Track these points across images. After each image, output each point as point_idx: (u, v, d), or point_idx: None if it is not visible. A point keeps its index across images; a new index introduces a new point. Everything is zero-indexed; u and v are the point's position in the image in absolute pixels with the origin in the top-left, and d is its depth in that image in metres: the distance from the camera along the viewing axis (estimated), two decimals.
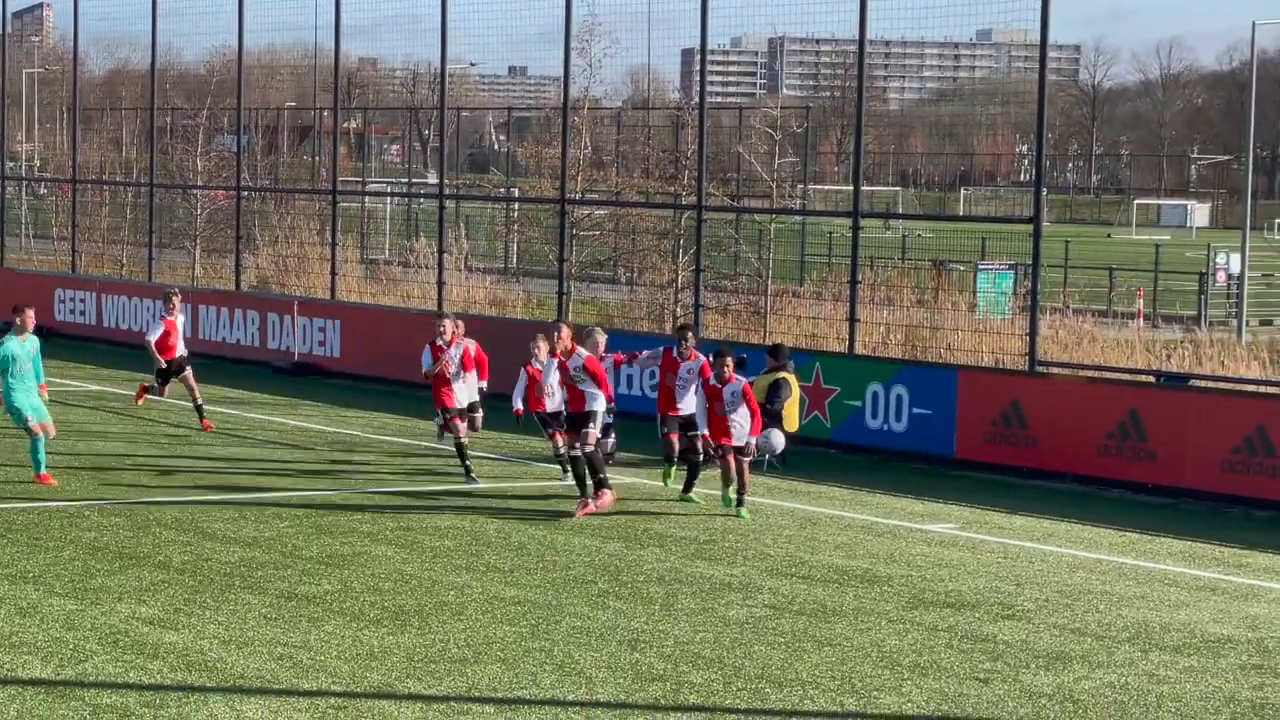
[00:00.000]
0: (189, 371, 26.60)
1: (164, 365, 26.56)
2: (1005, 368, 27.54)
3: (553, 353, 21.21)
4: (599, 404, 20.72)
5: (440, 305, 34.37)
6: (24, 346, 21.42)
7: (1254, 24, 51.95)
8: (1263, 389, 26.30)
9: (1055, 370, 26.33)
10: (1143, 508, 22.40)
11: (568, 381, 20.94)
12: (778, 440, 20.89)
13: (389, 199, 63.43)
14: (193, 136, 51.00)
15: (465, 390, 23.09)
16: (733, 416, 20.55)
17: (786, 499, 21.93)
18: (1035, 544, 19.91)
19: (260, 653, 14.21)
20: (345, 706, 12.82)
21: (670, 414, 21.98)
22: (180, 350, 26.69)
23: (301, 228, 47.55)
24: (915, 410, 25.38)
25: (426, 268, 42.01)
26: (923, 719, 13.01)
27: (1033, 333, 25.52)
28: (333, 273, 36.35)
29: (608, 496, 20.60)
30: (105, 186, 53.32)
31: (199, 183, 48.81)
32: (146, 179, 43.34)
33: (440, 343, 22.98)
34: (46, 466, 21.44)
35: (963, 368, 26.61)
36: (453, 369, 22.89)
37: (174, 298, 27.23)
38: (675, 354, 22.17)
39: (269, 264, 46.30)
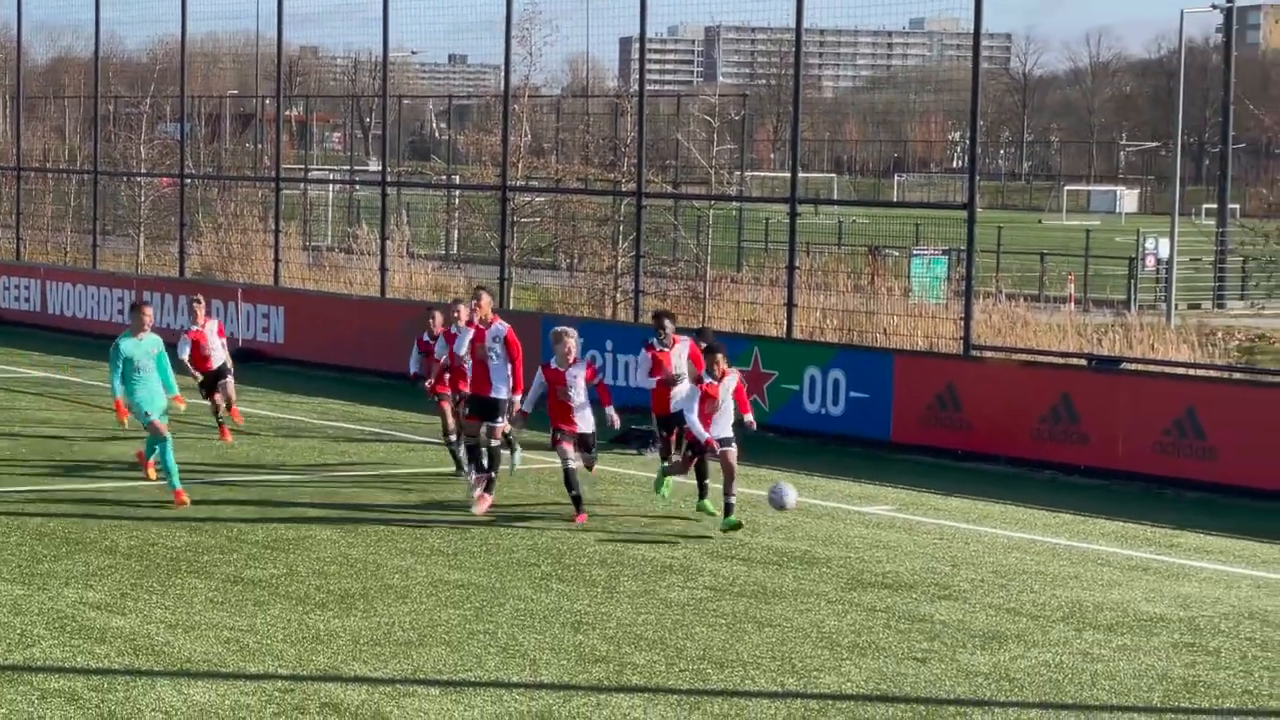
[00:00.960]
0: (229, 380, 24.09)
1: (199, 377, 24.00)
2: (940, 352, 27.63)
3: (470, 322, 19.97)
4: (505, 392, 19.51)
5: (383, 292, 34.27)
6: (141, 346, 19.70)
7: (1182, 12, 52.26)
8: (1192, 371, 26.46)
9: (989, 354, 26.42)
10: (1075, 489, 22.49)
11: (479, 355, 19.69)
12: (790, 497, 18.55)
13: (331, 186, 63.18)
14: (136, 124, 50.78)
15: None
16: (716, 415, 18.76)
17: None
18: (970, 525, 19.97)
19: (207, 636, 14.14)
20: (292, 689, 12.77)
21: (668, 414, 20.31)
22: (218, 360, 24.08)
23: (245, 215, 47.32)
24: (852, 394, 25.42)
25: (369, 254, 41.88)
26: (861, 698, 13.03)
27: (967, 317, 25.59)
28: (276, 259, 36.19)
29: (486, 502, 19.37)
30: (49, 174, 52.97)
31: (143, 170, 48.53)
32: (90, 166, 43.10)
33: (455, 332, 21.10)
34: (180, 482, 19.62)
35: (899, 352, 26.66)
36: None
37: (198, 306, 24.63)
38: (659, 346, 20.49)
39: (213, 251, 46.08)
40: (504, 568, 16.95)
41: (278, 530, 18.39)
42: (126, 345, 19.70)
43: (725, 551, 17.93)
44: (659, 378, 20.32)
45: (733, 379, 18.84)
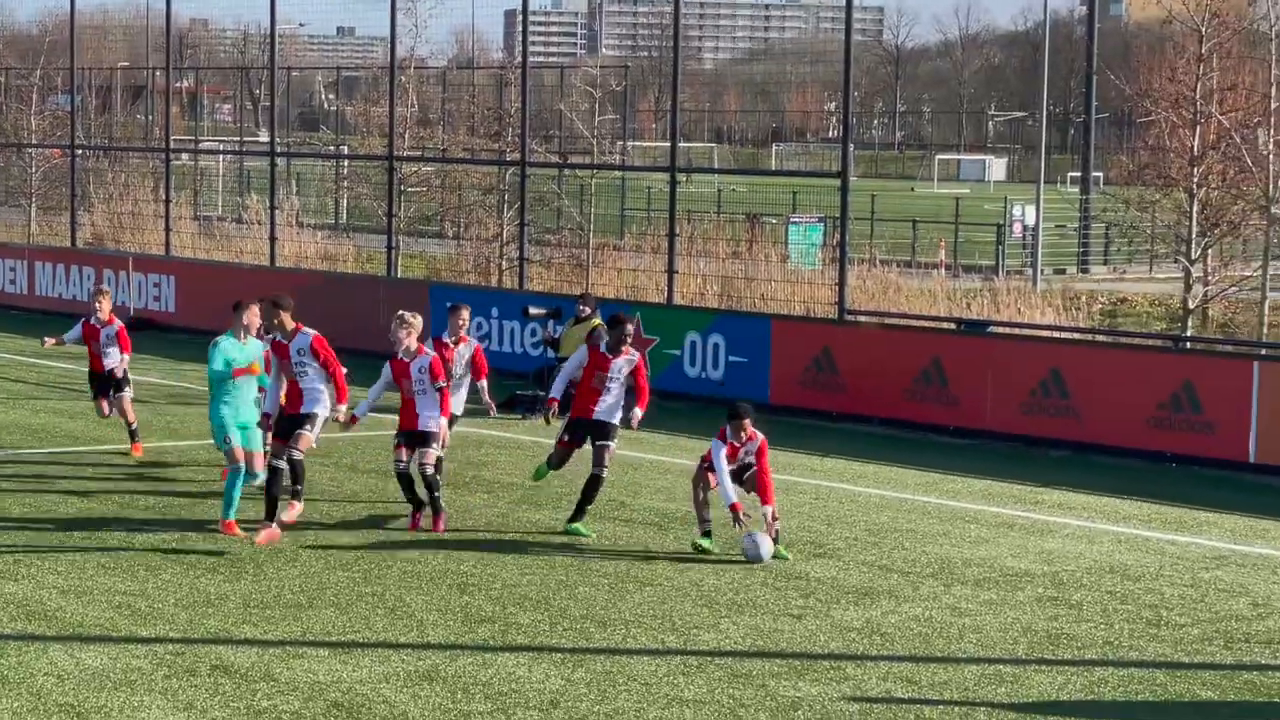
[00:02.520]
0: (124, 396, 20.63)
1: (91, 373, 20.91)
2: (816, 316, 27.75)
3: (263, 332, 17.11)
4: (321, 407, 16.33)
5: (273, 260, 33.98)
6: (244, 351, 16.66)
7: None
8: (1057, 334, 26.71)
9: (863, 319, 26.55)
10: (946, 449, 22.67)
11: (288, 373, 16.46)
12: (766, 548, 16.01)
13: (221, 157, 62.63)
14: (26, 96, 50.05)
15: (457, 400, 18.36)
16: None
17: None
18: (845, 485, 20.09)
19: (99, 601, 14.01)
20: (183, 652, 12.68)
21: (584, 417, 17.28)
22: (112, 362, 20.54)
23: (136, 185, 46.85)
24: (731, 358, 25.49)
25: (259, 224, 41.57)
26: (739, 654, 13.09)
27: (841, 283, 25.72)
28: (167, 229, 35.85)
29: (295, 509, 16.72)
30: None
31: (33, 141, 47.89)
32: None
33: (449, 340, 18.32)
34: (237, 512, 16.45)
35: (776, 317, 26.75)
36: (458, 372, 18.31)
37: (98, 299, 20.94)
38: (604, 350, 17.21)
39: (104, 221, 45.59)
40: (392, 531, 16.89)
41: (168, 496, 18.22)
42: (227, 346, 16.63)
43: (608, 513, 17.93)
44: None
45: (755, 442, 16.27)
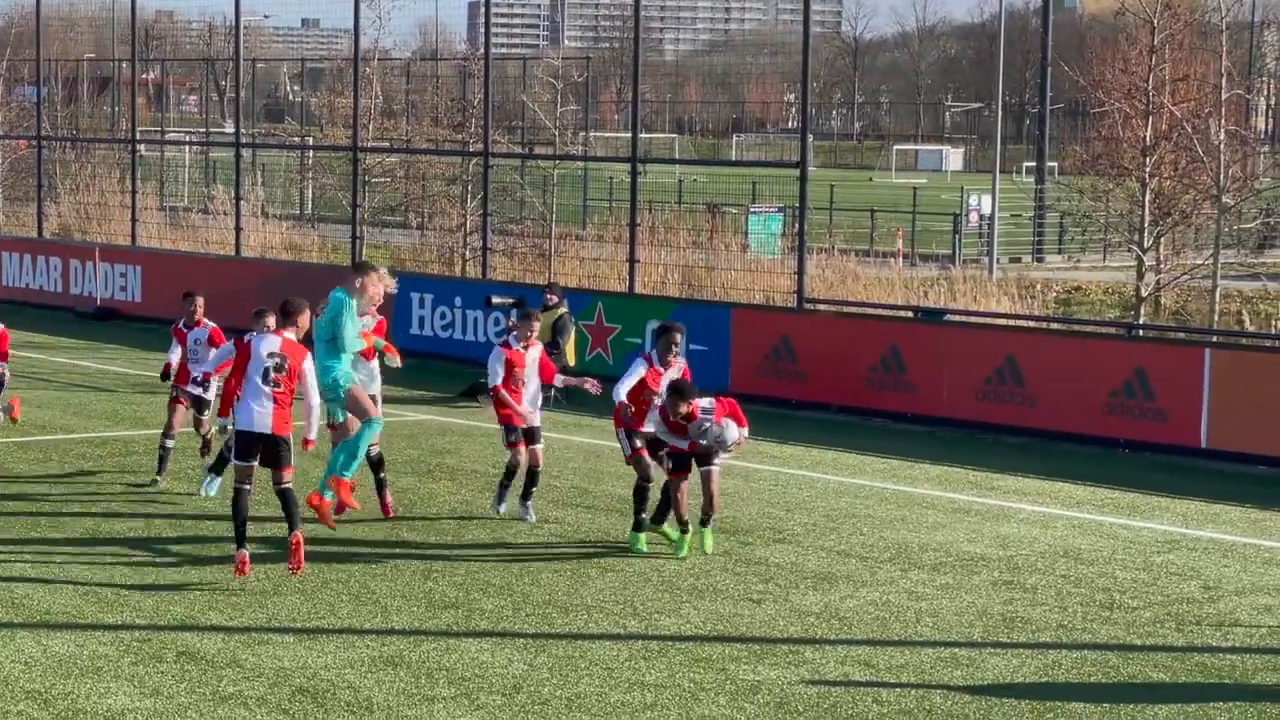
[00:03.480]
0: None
1: None
2: (776, 305, 27.80)
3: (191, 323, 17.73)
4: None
5: (238, 250, 33.90)
6: (361, 321, 15.57)
7: None
8: (1012, 322, 26.79)
9: (822, 307, 26.59)
10: (903, 435, 22.71)
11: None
12: (732, 433, 15.37)
13: (187, 148, 62.44)
14: None
15: (529, 400, 17.11)
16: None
17: (572, 433, 21.95)
18: (804, 471, 20.12)
19: (66, 589, 13.96)
20: (149, 639, 12.64)
21: (639, 429, 16.15)
22: None
23: (102, 176, 46.69)
24: (692, 346, 25.42)
25: (224, 214, 41.46)
26: (700, 639, 13.10)
27: (800, 272, 25.75)
28: (133, 220, 35.71)
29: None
30: None
31: None
32: None
33: (519, 347, 17.08)
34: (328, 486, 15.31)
35: (736, 305, 26.76)
36: (528, 376, 17.08)
37: None
38: (658, 363, 16.16)
39: (71, 212, 45.42)
40: (356, 518, 16.84)
41: (135, 485, 18.16)
42: (349, 304, 15.51)
43: (570, 500, 17.94)
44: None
45: (710, 422, 15.50)
